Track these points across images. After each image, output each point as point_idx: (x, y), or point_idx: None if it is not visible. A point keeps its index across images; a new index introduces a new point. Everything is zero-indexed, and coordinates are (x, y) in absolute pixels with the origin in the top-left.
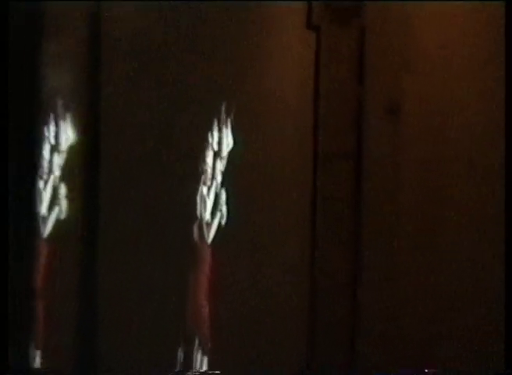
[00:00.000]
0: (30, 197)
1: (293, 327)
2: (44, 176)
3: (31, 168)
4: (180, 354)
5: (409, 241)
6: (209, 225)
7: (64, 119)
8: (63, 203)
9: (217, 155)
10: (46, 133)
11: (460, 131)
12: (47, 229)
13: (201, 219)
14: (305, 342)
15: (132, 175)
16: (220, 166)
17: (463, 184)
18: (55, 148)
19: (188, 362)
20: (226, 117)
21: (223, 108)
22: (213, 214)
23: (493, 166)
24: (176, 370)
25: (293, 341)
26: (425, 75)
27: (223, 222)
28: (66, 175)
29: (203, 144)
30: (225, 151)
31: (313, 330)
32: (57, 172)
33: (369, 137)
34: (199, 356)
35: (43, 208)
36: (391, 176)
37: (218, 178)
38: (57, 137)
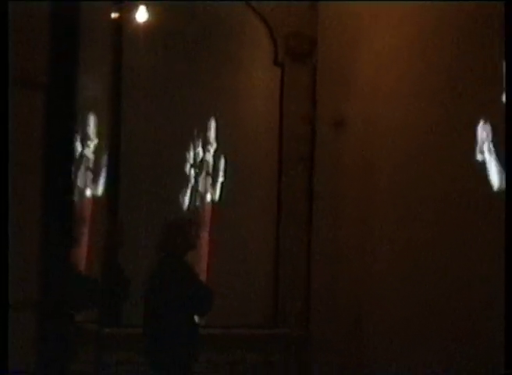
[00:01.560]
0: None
1: (262, 286)
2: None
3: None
4: None
5: (349, 222)
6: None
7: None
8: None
9: (206, 152)
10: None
11: (389, 138)
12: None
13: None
14: (271, 297)
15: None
16: (209, 158)
17: (391, 176)
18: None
19: None
20: (215, 130)
21: (212, 123)
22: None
23: (422, 165)
24: None
25: (261, 296)
26: (361, 98)
27: (215, 201)
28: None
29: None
30: (211, 152)
31: (277, 288)
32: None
33: (319, 145)
34: None
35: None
36: (335, 173)
37: (209, 170)
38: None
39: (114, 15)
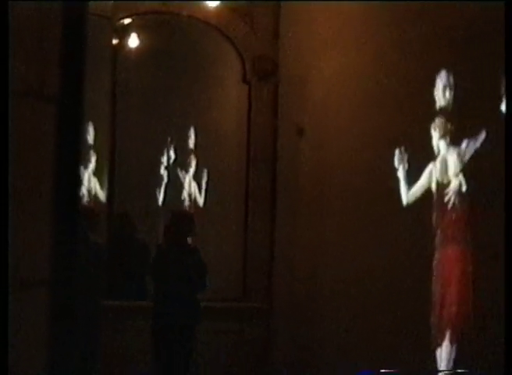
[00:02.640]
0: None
1: (234, 267)
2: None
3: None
4: None
5: (306, 213)
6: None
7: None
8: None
9: (188, 153)
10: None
11: (338, 143)
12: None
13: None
14: (241, 276)
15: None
16: (192, 160)
17: (341, 174)
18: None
19: None
20: (194, 136)
21: (192, 131)
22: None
23: (364, 164)
24: None
25: (233, 276)
26: (315, 111)
27: (194, 196)
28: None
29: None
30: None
31: (245, 269)
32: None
33: (281, 150)
34: None
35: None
36: (294, 172)
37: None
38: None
39: (111, 39)
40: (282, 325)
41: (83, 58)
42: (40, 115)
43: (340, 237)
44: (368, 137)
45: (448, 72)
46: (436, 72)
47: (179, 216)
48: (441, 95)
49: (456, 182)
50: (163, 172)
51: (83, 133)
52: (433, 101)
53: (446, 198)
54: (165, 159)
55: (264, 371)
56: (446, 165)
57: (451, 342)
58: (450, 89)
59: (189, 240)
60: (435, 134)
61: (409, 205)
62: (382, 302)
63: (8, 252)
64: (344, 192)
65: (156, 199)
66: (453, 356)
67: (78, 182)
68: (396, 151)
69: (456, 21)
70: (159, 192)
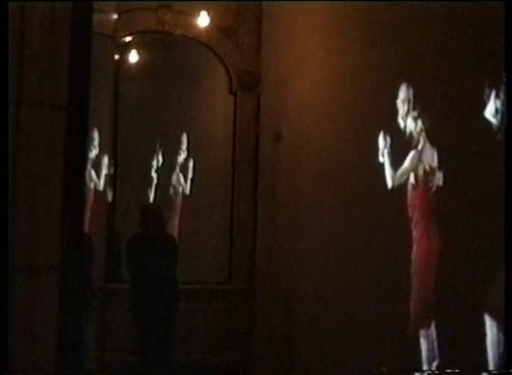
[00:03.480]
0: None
1: (220, 253)
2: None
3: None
4: None
5: (283, 205)
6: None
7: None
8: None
9: (181, 154)
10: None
11: (312, 146)
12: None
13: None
14: (227, 261)
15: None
16: (183, 159)
17: (313, 173)
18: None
19: None
20: (187, 140)
21: (184, 135)
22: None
23: (335, 165)
24: None
25: (219, 261)
26: (292, 118)
27: (186, 191)
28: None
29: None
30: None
31: (231, 255)
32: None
33: (262, 151)
34: None
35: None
36: (273, 171)
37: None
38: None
39: (113, 55)
40: (261, 304)
41: (89, 73)
42: (53, 120)
43: (316, 225)
44: (337, 139)
45: (412, 80)
46: (402, 79)
47: (147, 210)
48: (402, 104)
49: (432, 173)
50: (155, 173)
51: (88, 135)
52: (396, 110)
53: (423, 187)
54: (160, 160)
55: (248, 342)
56: (422, 157)
57: (431, 328)
58: (410, 100)
59: (169, 229)
60: (411, 128)
61: (393, 190)
62: (357, 282)
63: (19, 239)
64: (316, 186)
65: (148, 195)
66: (432, 342)
67: (84, 177)
68: (380, 139)
69: (428, 37)
70: (151, 190)
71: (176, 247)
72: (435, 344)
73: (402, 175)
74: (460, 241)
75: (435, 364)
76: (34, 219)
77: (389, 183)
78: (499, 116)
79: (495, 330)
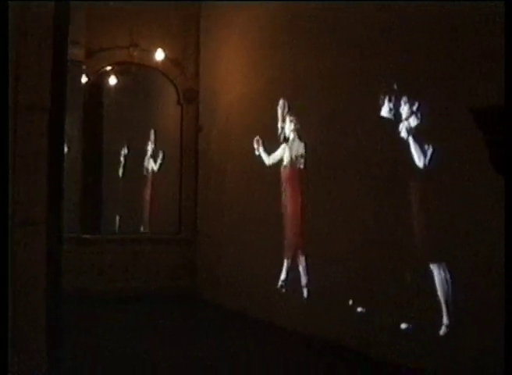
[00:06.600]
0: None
1: (175, 213)
2: None
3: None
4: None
5: (214, 182)
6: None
7: None
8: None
9: (149, 144)
10: None
11: (234, 144)
12: None
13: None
14: (178, 218)
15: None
16: (151, 148)
17: (233, 165)
18: None
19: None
20: (154, 136)
21: (152, 133)
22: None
23: (245, 157)
24: None
25: (173, 218)
26: (220, 122)
27: (155, 170)
28: None
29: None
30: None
31: (181, 214)
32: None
33: (199, 144)
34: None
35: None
36: (208, 154)
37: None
38: None
39: (81, 74)
40: (201, 248)
41: (65, 85)
42: (40, 119)
43: (234, 190)
44: (244, 135)
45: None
46: (280, 95)
47: None
48: (280, 111)
49: (298, 157)
50: (123, 157)
51: (64, 129)
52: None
53: (292, 167)
54: (125, 149)
55: (193, 273)
56: (292, 147)
57: (299, 254)
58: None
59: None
60: (288, 129)
61: (270, 169)
62: (258, 226)
63: (18, 203)
64: (233, 164)
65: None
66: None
67: (62, 159)
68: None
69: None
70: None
71: None
72: None
73: (274, 159)
74: (317, 200)
75: None
76: (27, 189)
77: (267, 163)
78: (392, 114)
79: None
